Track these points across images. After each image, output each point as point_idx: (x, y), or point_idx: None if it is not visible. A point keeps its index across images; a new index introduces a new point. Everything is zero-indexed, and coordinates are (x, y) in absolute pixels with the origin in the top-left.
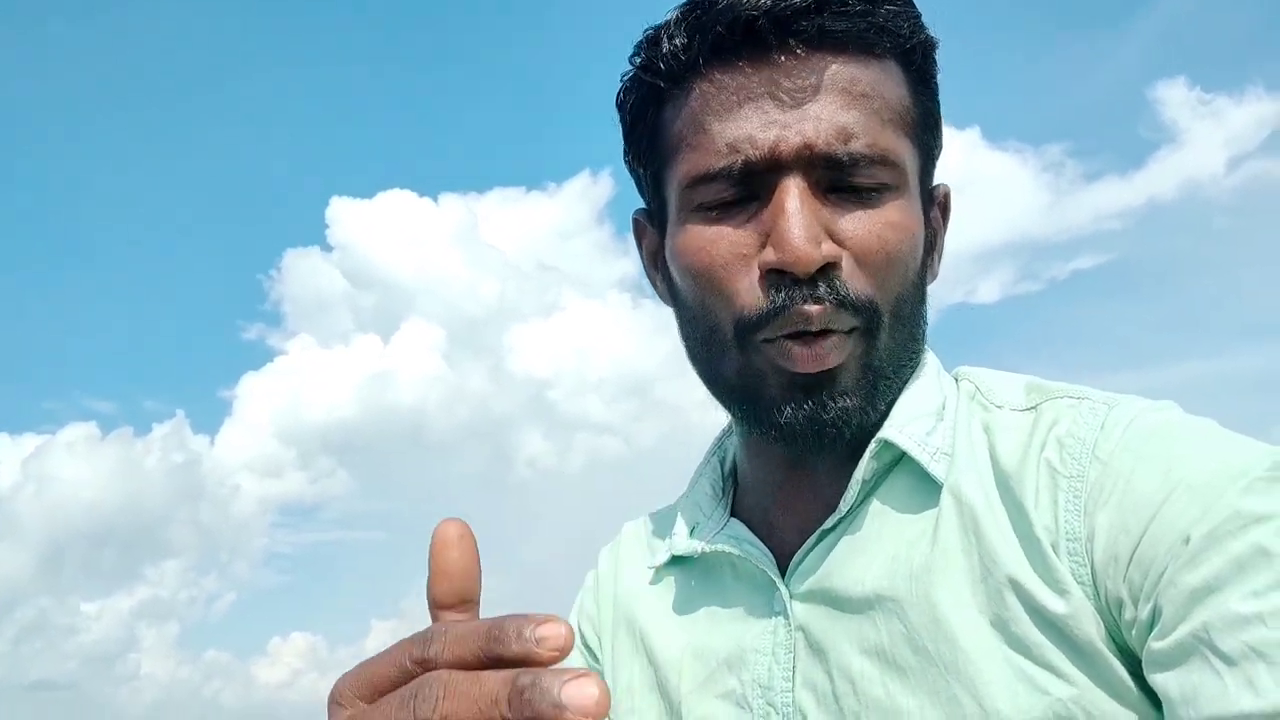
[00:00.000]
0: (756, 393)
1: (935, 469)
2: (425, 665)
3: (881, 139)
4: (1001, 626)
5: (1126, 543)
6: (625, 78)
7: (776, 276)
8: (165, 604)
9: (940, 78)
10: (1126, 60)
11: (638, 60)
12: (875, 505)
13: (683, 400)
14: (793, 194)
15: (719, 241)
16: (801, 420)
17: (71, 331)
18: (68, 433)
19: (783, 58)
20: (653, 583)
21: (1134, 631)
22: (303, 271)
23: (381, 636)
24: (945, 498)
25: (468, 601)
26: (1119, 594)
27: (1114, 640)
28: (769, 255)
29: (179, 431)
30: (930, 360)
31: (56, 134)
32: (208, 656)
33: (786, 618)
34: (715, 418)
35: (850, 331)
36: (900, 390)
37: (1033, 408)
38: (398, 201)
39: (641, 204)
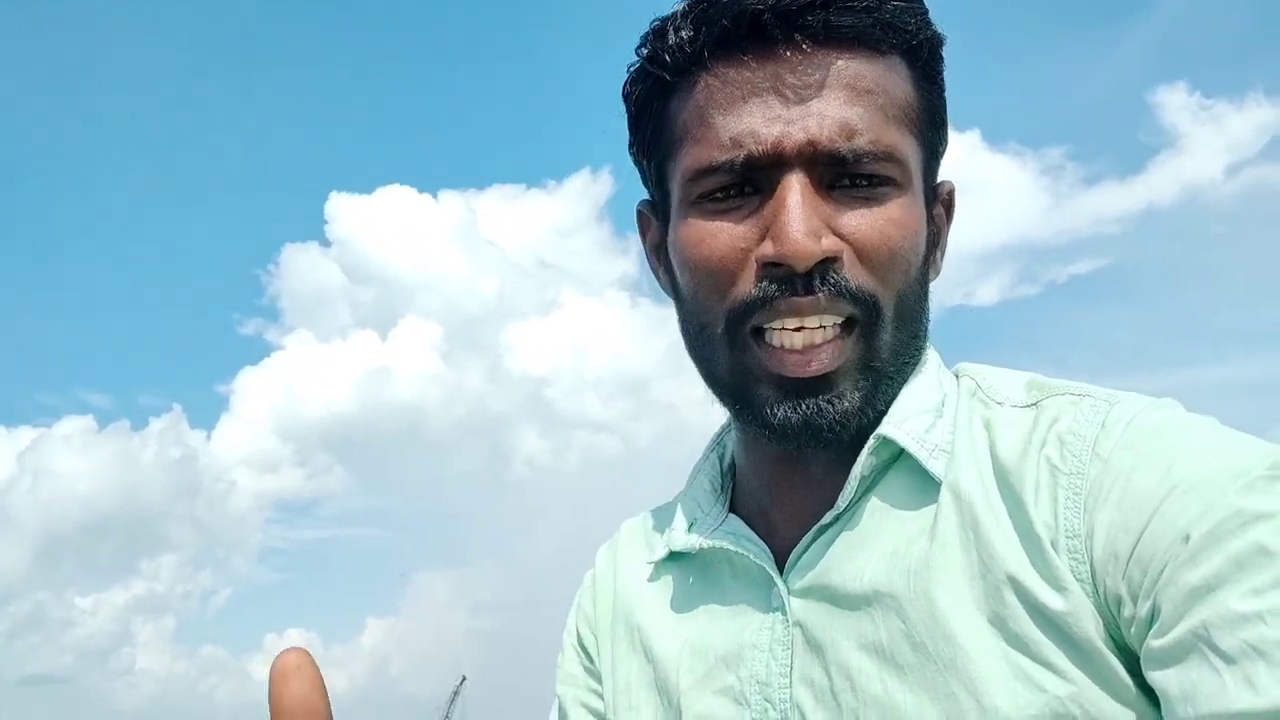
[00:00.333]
0: (749, 391)
1: (934, 466)
2: None
3: (885, 135)
4: (1000, 624)
5: (1126, 540)
6: (631, 69)
7: (773, 269)
8: (161, 599)
9: (945, 75)
10: (1127, 64)
11: (644, 52)
12: (874, 502)
13: (679, 399)
14: (794, 189)
15: (719, 235)
16: (796, 422)
17: (68, 324)
18: (64, 426)
19: (788, 52)
20: (651, 579)
21: (1133, 629)
22: (301, 266)
23: (376, 634)
24: (944, 494)
25: None
26: (1118, 591)
27: (1113, 638)
28: (767, 248)
29: (176, 426)
30: (931, 357)
31: (56, 131)
32: (203, 652)
33: (784, 614)
34: (712, 417)
35: (847, 323)
36: (901, 386)
37: (1033, 404)
38: (397, 197)
39: (646, 196)
